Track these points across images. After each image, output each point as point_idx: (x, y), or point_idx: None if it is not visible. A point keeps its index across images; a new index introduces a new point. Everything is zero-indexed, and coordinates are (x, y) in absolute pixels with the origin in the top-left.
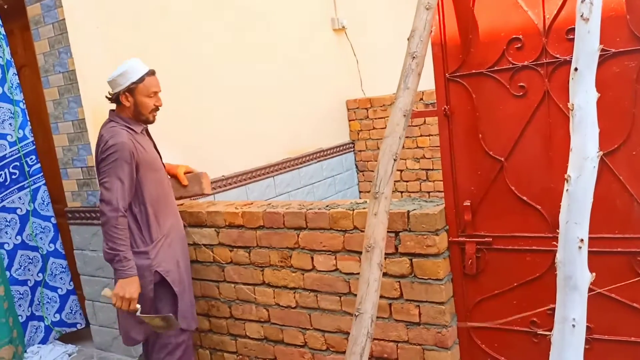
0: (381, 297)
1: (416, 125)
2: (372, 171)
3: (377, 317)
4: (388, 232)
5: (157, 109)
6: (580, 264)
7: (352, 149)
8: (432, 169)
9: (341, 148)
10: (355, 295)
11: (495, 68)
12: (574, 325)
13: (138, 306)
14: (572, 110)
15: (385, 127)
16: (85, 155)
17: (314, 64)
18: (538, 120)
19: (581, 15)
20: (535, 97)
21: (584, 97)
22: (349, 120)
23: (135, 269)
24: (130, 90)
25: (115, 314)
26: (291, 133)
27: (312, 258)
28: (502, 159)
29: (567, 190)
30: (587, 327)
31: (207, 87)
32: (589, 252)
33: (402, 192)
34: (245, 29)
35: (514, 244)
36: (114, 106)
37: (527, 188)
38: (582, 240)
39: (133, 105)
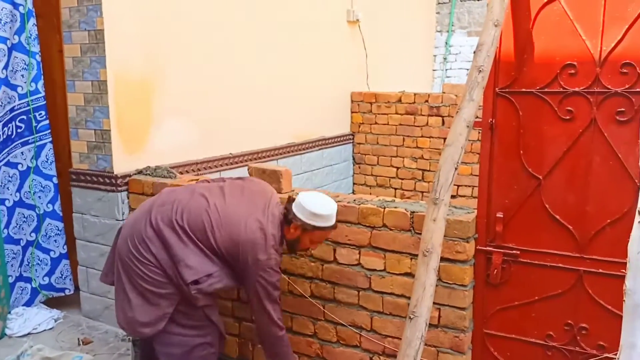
0: (403, 296)
1: (418, 126)
2: (369, 164)
3: (396, 316)
4: (416, 233)
5: (307, 250)
6: None
7: (351, 141)
8: (429, 170)
9: (341, 138)
10: (376, 292)
11: (546, 90)
12: None
13: None
14: None
15: (388, 124)
16: (101, 118)
17: (325, 53)
18: (581, 145)
19: None
20: (581, 122)
21: None
22: (352, 112)
23: None
24: (306, 229)
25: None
26: (297, 118)
27: (335, 250)
28: (541, 177)
29: (639, 222)
30: (601, 345)
31: (222, 67)
32: None
33: (396, 189)
34: (261, 13)
35: (540, 259)
36: None
37: (561, 208)
38: None
39: (294, 237)
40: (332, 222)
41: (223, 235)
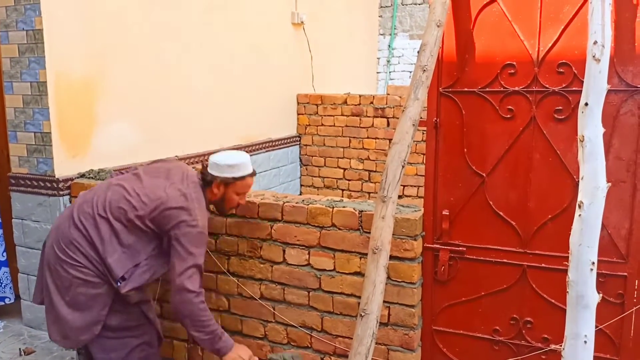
0: (352, 295)
1: (364, 127)
2: (316, 166)
3: (346, 315)
4: (365, 232)
5: (237, 206)
6: (591, 285)
7: (297, 143)
8: (375, 171)
9: (288, 140)
10: (326, 292)
11: (488, 89)
12: (585, 342)
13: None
14: (582, 141)
15: (334, 125)
16: (41, 120)
17: (271, 55)
18: (522, 142)
19: (593, 56)
20: (521, 121)
21: (593, 130)
22: (298, 114)
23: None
24: (227, 183)
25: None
26: (244, 120)
27: (284, 251)
28: (484, 175)
29: (579, 215)
30: (545, 337)
31: (168, 69)
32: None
33: (343, 190)
34: (207, 15)
35: (486, 255)
36: None
37: (504, 204)
38: (593, 262)
39: (219, 196)
40: (250, 169)
41: (147, 210)
